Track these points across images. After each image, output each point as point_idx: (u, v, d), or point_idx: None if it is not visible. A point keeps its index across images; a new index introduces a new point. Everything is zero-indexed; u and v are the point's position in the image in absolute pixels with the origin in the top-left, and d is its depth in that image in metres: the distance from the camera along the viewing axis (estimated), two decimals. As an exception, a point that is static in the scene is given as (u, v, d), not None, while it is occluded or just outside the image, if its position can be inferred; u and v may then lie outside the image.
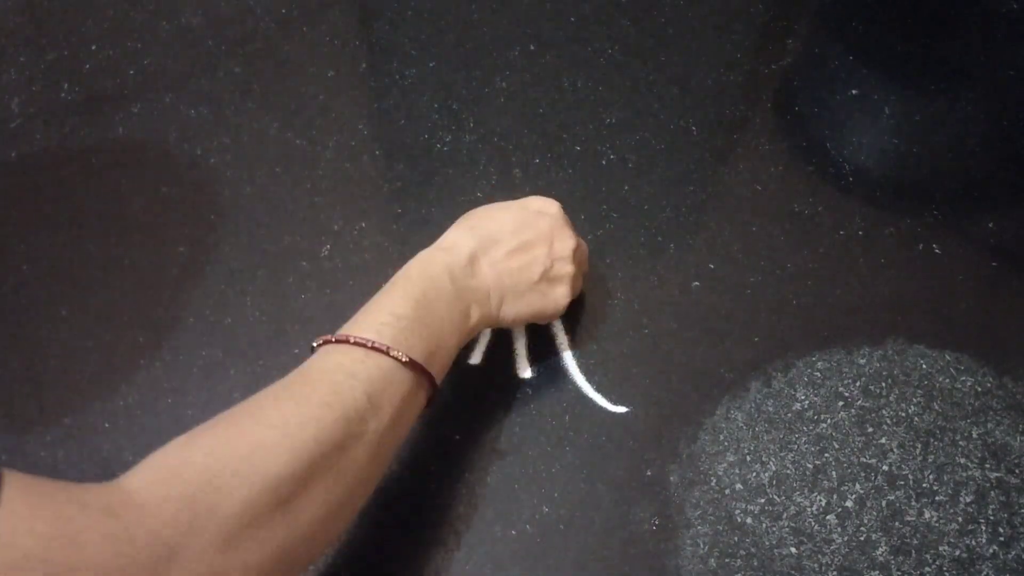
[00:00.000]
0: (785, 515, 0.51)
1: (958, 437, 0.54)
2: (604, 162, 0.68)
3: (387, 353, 0.42)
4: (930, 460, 0.53)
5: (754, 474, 0.53)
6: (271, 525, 0.35)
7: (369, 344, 0.42)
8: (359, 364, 0.41)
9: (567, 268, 0.52)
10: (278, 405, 0.39)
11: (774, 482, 0.52)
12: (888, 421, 0.55)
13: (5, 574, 0.28)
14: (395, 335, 0.43)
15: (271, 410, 0.39)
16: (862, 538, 0.50)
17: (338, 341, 0.43)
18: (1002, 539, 0.50)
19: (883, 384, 0.56)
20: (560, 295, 0.53)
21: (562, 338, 0.58)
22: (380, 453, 0.41)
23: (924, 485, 0.52)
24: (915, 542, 0.50)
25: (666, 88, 0.73)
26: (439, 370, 0.46)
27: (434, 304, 0.46)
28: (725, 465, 0.53)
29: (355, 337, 0.42)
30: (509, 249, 0.50)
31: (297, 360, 0.42)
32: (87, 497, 0.32)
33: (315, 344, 0.44)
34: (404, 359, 0.42)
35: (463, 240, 0.50)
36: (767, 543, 0.50)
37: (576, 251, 0.53)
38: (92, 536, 0.30)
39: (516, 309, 0.51)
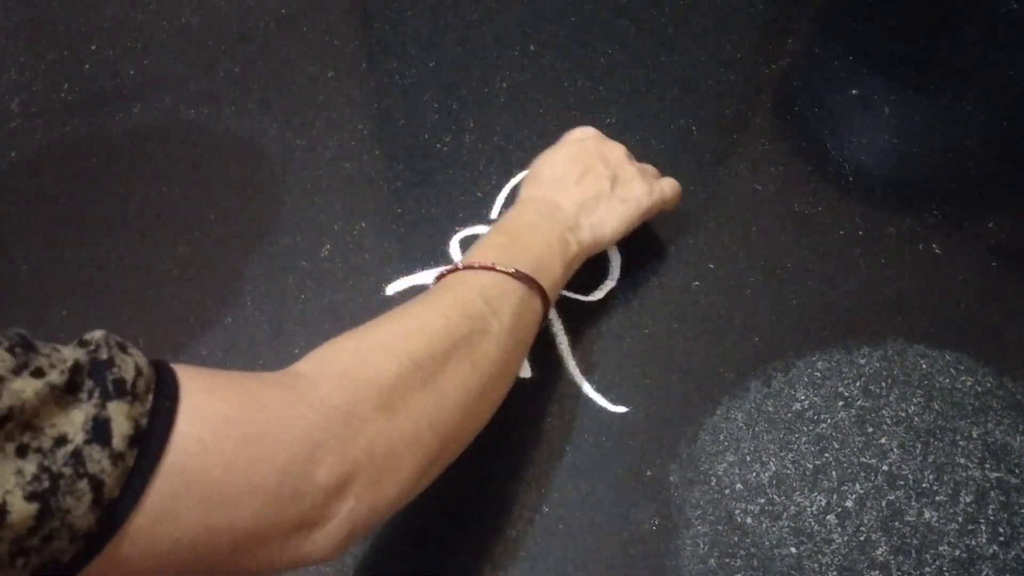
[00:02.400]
0: (785, 515, 0.51)
1: (958, 437, 0.54)
2: (604, 162, 0.68)
3: (494, 268, 0.47)
4: (930, 460, 0.53)
5: (754, 474, 0.53)
6: (420, 397, 0.39)
7: (477, 265, 0.47)
8: (472, 279, 0.47)
9: (629, 169, 0.57)
10: (411, 308, 0.45)
11: (774, 482, 0.52)
12: (888, 421, 0.55)
13: (209, 439, 0.31)
14: (498, 256, 0.48)
15: (405, 312, 0.45)
16: (862, 538, 0.50)
17: (449, 272, 0.48)
18: (1002, 539, 0.50)
19: (883, 384, 0.56)
20: (639, 193, 0.56)
21: (562, 338, 0.58)
22: (507, 352, 0.45)
23: (924, 485, 0.52)
24: (915, 542, 0.50)
25: (666, 88, 0.73)
26: (549, 286, 0.49)
27: (530, 235, 0.51)
28: (725, 465, 0.53)
29: (464, 263, 0.48)
30: (573, 179, 0.55)
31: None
32: (267, 378, 0.37)
33: (432, 283, 0.49)
34: (511, 271, 0.47)
35: (534, 191, 0.56)
36: (767, 543, 0.50)
37: (627, 154, 0.59)
38: (276, 401, 0.35)
39: (609, 224, 0.55)
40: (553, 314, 0.59)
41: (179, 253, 0.63)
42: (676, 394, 0.56)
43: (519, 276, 0.47)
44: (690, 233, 0.64)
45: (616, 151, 0.58)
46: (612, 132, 0.70)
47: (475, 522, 0.51)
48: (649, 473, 0.52)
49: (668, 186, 0.59)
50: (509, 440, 0.54)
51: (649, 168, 0.60)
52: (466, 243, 0.63)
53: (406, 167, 0.68)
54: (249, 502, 0.32)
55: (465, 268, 0.48)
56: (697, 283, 0.61)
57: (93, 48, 0.76)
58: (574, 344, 0.58)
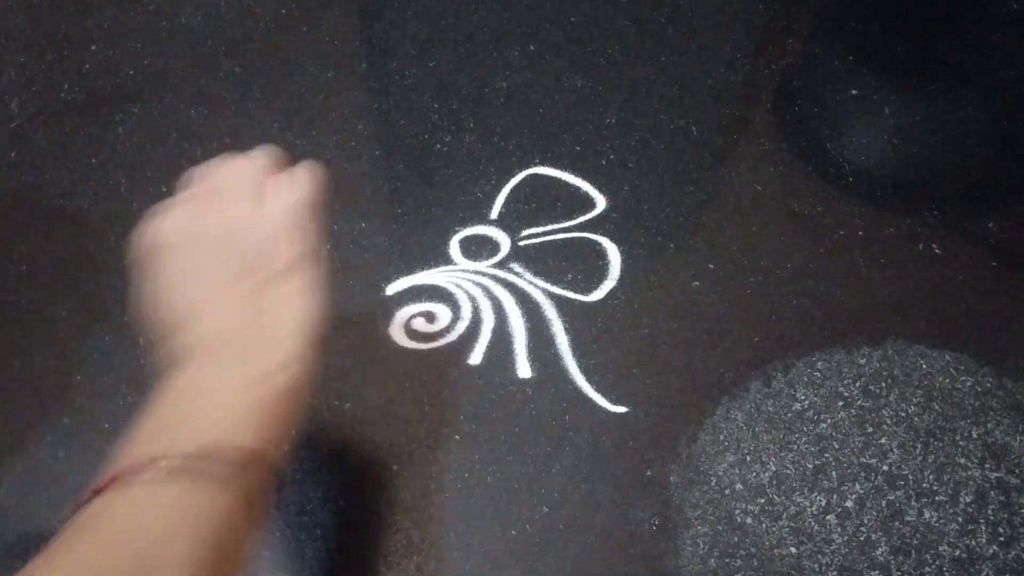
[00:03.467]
0: (785, 515, 0.51)
1: (958, 437, 0.54)
2: (604, 162, 0.68)
3: (136, 474, 0.31)
4: (930, 460, 0.53)
5: (754, 474, 0.53)
6: None
7: (109, 480, 0.31)
8: (106, 513, 0.31)
9: (257, 224, 0.38)
10: None
11: (774, 482, 0.52)
12: (888, 421, 0.55)
13: None
14: (142, 445, 0.32)
15: None
16: (862, 538, 0.50)
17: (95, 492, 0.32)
18: (1002, 539, 0.50)
19: (883, 384, 0.56)
20: (290, 250, 0.38)
21: (562, 338, 0.58)
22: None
23: (924, 485, 0.52)
24: (915, 542, 0.50)
25: (666, 88, 0.73)
26: (255, 454, 0.33)
27: (187, 391, 0.34)
28: (725, 465, 0.53)
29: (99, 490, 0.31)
30: (193, 302, 0.37)
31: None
32: None
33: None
34: (172, 463, 0.31)
35: (165, 316, 0.37)
36: (767, 543, 0.50)
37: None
38: None
39: (297, 313, 0.38)
40: (553, 314, 0.59)
41: (179, 253, 0.62)
42: (676, 394, 0.56)
43: (189, 466, 0.31)
44: (690, 233, 0.64)
45: (212, 216, 0.38)
46: (612, 132, 0.70)
47: (475, 522, 0.51)
48: (649, 473, 0.52)
49: (304, 181, 0.41)
50: (509, 440, 0.54)
51: (255, 173, 0.41)
52: (466, 243, 0.63)
53: (406, 167, 0.68)
54: None
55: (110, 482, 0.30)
56: (697, 283, 0.61)
57: (93, 48, 0.76)
58: (574, 344, 0.58)
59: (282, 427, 0.34)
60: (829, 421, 0.55)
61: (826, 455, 0.53)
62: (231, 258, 0.36)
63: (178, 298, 0.36)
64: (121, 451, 0.32)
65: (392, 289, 0.61)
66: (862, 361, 0.57)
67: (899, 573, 0.49)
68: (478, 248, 0.63)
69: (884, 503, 0.52)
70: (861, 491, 0.52)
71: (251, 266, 0.36)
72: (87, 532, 0.30)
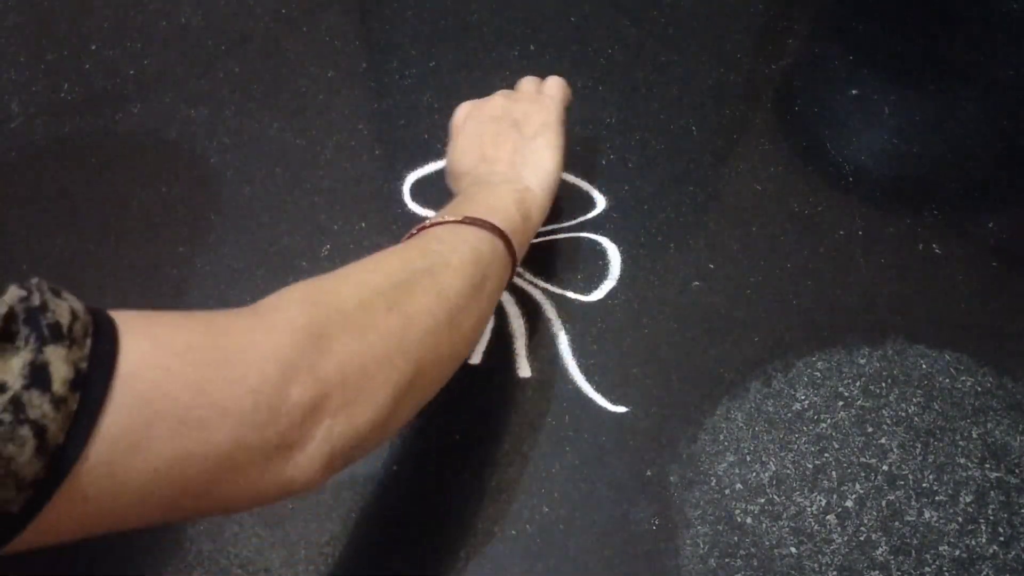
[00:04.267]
0: (785, 515, 0.51)
1: (958, 437, 0.54)
2: (604, 162, 0.68)
3: (442, 221, 0.48)
4: (930, 460, 0.53)
5: (754, 474, 0.53)
6: (387, 320, 0.39)
7: (428, 223, 0.48)
8: (422, 234, 0.47)
9: (517, 107, 0.58)
10: (364, 259, 0.44)
11: (774, 482, 0.52)
12: (888, 421, 0.55)
13: (175, 365, 0.31)
14: (444, 213, 0.49)
15: (359, 260, 0.44)
16: (862, 538, 0.50)
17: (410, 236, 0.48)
18: (1002, 539, 0.50)
19: (883, 384, 0.56)
20: (541, 117, 0.57)
21: (562, 338, 0.58)
22: (473, 284, 0.45)
23: (924, 485, 0.52)
24: (915, 542, 0.50)
25: (666, 88, 0.73)
26: (507, 226, 0.49)
27: (474, 192, 0.52)
28: (725, 465, 0.53)
29: (411, 232, 0.48)
30: (486, 153, 0.56)
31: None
32: (220, 310, 0.36)
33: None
34: (459, 218, 0.48)
35: (460, 181, 0.56)
36: (767, 543, 0.50)
37: (505, 94, 0.60)
38: (240, 326, 0.35)
39: (544, 156, 0.55)
40: (553, 314, 0.59)
41: (179, 253, 0.63)
42: (676, 394, 0.56)
43: (469, 221, 0.48)
44: (690, 233, 0.64)
45: (496, 102, 0.59)
46: (612, 132, 0.70)
47: (475, 522, 0.51)
48: (649, 473, 0.52)
49: (555, 88, 0.60)
50: (509, 440, 0.54)
51: (528, 87, 0.61)
52: (466, 243, 0.63)
53: (406, 167, 0.68)
54: (223, 425, 0.32)
55: (416, 231, 0.48)
56: (697, 283, 0.61)
57: (93, 48, 0.76)
58: (574, 344, 0.58)
59: (527, 221, 0.52)
60: (829, 421, 0.55)
61: (826, 455, 0.53)
62: (501, 128, 0.56)
63: (472, 151, 0.56)
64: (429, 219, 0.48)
65: (392, 289, 0.61)
66: (862, 361, 0.57)
67: (899, 573, 0.49)
68: (478, 248, 0.63)
69: (884, 503, 0.52)
70: (861, 491, 0.52)
71: (513, 132, 0.56)
72: (401, 247, 0.46)
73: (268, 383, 0.33)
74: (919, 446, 0.54)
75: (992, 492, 0.52)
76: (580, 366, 0.57)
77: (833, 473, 0.53)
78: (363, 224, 0.64)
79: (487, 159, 0.55)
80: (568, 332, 0.58)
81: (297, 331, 0.35)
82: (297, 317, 0.36)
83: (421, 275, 0.42)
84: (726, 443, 0.54)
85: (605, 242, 0.63)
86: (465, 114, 0.59)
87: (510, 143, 0.55)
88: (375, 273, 0.42)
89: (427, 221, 0.48)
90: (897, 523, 0.51)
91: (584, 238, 0.64)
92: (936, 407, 0.55)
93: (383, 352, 0.38)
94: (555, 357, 0.57)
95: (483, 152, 0.56)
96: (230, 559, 0.49)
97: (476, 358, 0.57)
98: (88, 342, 0.30)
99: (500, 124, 0.57)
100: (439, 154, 0.68)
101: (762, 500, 0.52)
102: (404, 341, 0.40)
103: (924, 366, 0.57)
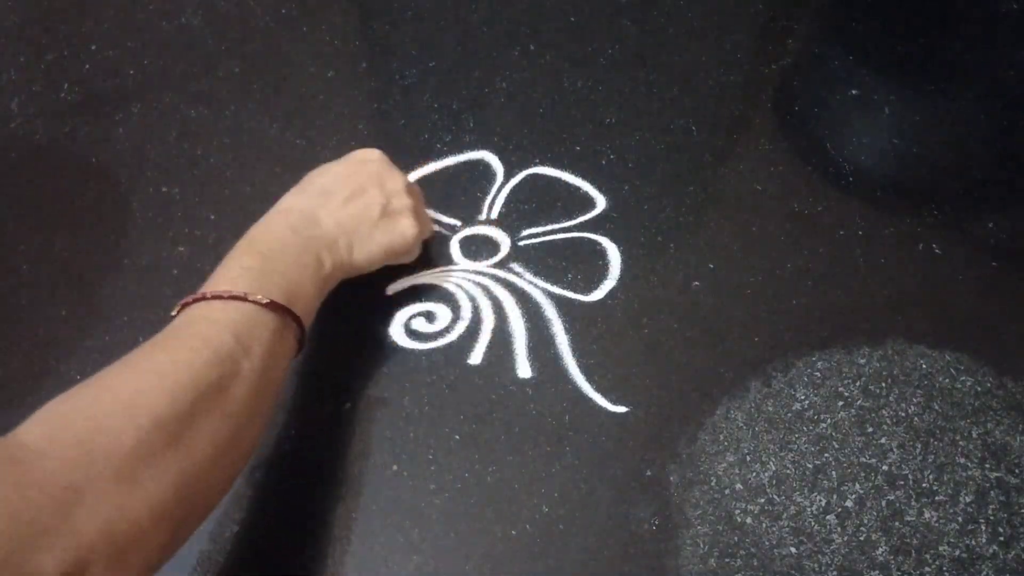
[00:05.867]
0: (785, 515, 0.51)
1: (958, 437, 0.54)
2: (604, 162, 0.68)
3: (245, 299, 0.43)
4: (930, 460, 0.53)
5: (754, 474, 0.53)
6: (165, 462, 0.36)
7: (226, 295, 0.43)
8: (220, 312, 0.43)
9: (404, 200, 0.55)
10: (151, 356, 0.40)
11: (774, 482, 0.52)
12: (888, 421, 0.55)
13: None
14: (249, 283, 0.45)
15: (144, 361, 0.40)
16: (862, 538, 0.50)
17: (195, 300, 0.44)
18: (1002, 539, 0.50)
19: (883, 384, 0.56)
20: (406, 227, 0.55)
21: (562, 338, 0.58)
22: (259, 393, 0.42)
23: (924, 485, 0.52)
24: (915, 542, 0.50)
25: (666, 88, 0.73)
26: (302, 312, 0.47)
27: (281, 255, 0.48)
28: (725, 465, 0.53)
29: (211, 292, 0.44)
30: (343, 197, 0.53)
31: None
32: None
33: (174, 312, 0.44)
34: (264, 301, 0.44)
35: (296, 200, 0.53)
36: (767, 543, 0.50)
37: (408, 187, 0.57)
38: None
39: (367, 249, 0.53)
40: (553, 314, 0.59)
41: (179, 253, 0.63)
42: (676, 394, 0.56)
43: (273, 307, 0.44)
44: (690, 233, 0.64)
45: (396, 180, 0.56)
46: (612, 132, 0.70)
47: (475, 522, 0.51)
48: (649, 473, 0.52)
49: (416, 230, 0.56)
50: (509, 440, 0.54)
51: (421, 207, 0.59)
52: (466, 243, 0.63)
53: (406, 167, 0.68)
54: None
55: (213, 298, 0.43)
56: (697, 283, 0.61)
57: (93, 48, 0.76)
58: (574, 344, 0.58)
59: (320, 297, 0.50)
60: (829, 421, 0.55)
61: (826, 455, 0.53)
62: (368, 202, 0.54)
63: (328, 185, 0.54)
64: (222, 272, 0.46)
65: (392, 289, 0.61)
66: (862, 361, 0.57)
67: (899, 573, 0.49)
68: (478, 248, 0.63)
69: (884, 503, 0.52)
70: (861, 491, 0.52)
71: (367, 215, 0.53)
72: (192, 329, 0.42)
73: (18, 553, 0.30)
74: (919, 446, 0.54)
75: (992, 492, 0.52)
76: (580, 366, 0.57)
77: (833, 473, 0.53)
78: (363, 224, 0.64)
79: (330, 205, 0.52)
80: (568, 332, 0.58)
81: (59, 491, 0.32)
82: (62, 470, 0.33)
83: (209, 393, 0.39)
84: (726, 443, 0.54)
85: (605, 242, 0.63)
86: (369, 158, 0.57)
87: (363, 212, 0.53)
88: (159, 395, 0.38)
89: (223, 287, 0.44)
90: (897, 523, 0.51)
91: (584, 238, 0.64)
92: (936, 407, 0.55)
93: (158, 500, 0.35)
94: (555, 357, 0.57)
95: (337, 195, 0.53)
96: (230, 559, 0.49)
97: (476, 358, 0.57)
98: None
99: (379, 193, 0.54)
100: (439, 154, 0.68)
101: (762, 500, 0.52)
102: (182, 481, 0.37)
103: (924, 366, 0.57)
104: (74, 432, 0.35)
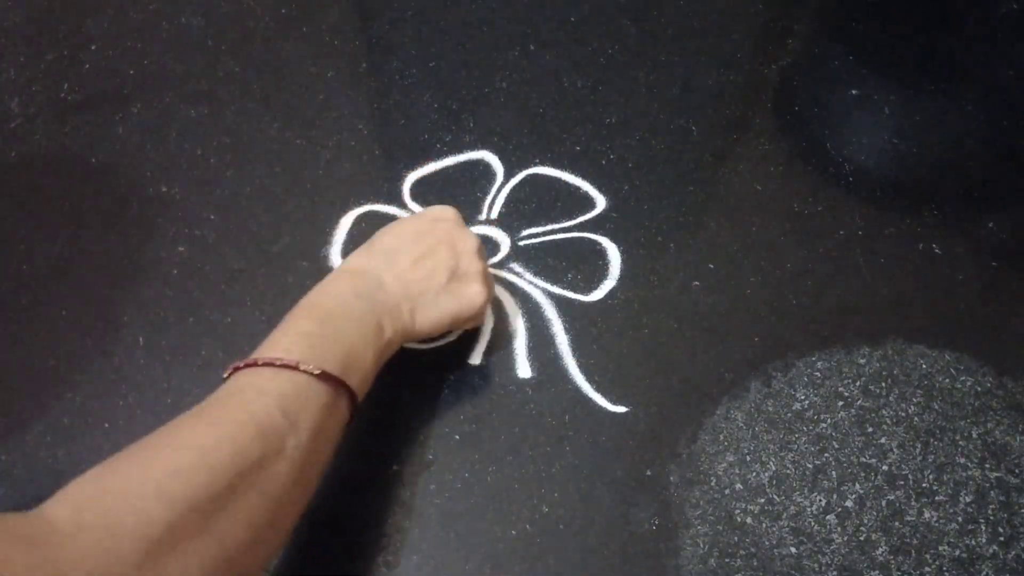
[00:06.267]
0: (785, 515, 0.51)
1: (958, 437, 0.54)
2: (604, 162, 0.68)
3: (297, 368, 0.41)
4: (930, 460, 0.53)
5: (754, 474, 0.53)
6: (195, 547, 0.34)
7: (278, 363, 0.41)
8: (270, 382, 0.41)
9: (475, 265, 0.52)
10: (192, 428, 0.38)
11: (774, 482, 0.52)
12: (888, 421, 0.55)
13: None
14: (304, 351, 0.42)
15: (185, 434, 0.38)
16: (862, 538, 0.50)
17: (247, 366, 0.42)
18: (1002, 539, 0.50)
19: (883, 384, 0.56)
20: (474, 293, 0.52)
21: (562, 338, 0.58)
22: (304, 470, 0.40)
23: (924, 485, 0.52)
24: (915, 542, 0.50)
25: (666, 88, 0.73)
26: (358, 384, 0.44)
27: (342, 321, 0.45)
28: (725, 465, 0.53)
29: (263, 358, 0.41)
30: (412, 258, 0.50)
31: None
32: (7, 526, 0.31)
33: (225, 375, 0.42)
34: (316, 371, 0.41)
35: (363, 260, 0.50)
36: (767, 543, 0.50)
37: (479, 249, 0.53)
38: (16, 567, 0.30)
39: (432, 316, 0.50)
40: (553, 314, 0.59)
41: (179, 253, 0.63)
42: (676, 394, 0.56)
43: (325, 378, 0.42)
44: (690, 233, 0.64)
45: (469, 242, 0.53)
46: (612, 132, 0.70)
47: (475, 522, 0.51)
48: (649, 473, 0.52)
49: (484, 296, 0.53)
50: (509, 440, 0.54)
51: (487, 268, 0.55)
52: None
53: (406, 167, 0.68)
54: None
55: (264, 365, 0.41)
56: (697, 283, 0.61)
57: (93, 48, 0.76)
58: (574, 344, 0.58)
59: (377, 368, 0.47)
60: (829, 421, 0.55)
61: (826, 455, 0.53)
62: (437, 264, 0.51)
63: (397, 244, 0.51)
64: (278, 335, 0.44)
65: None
66: (862, 361, 0.57)
67: (899, 573, 0.49)
68: (478, 248, 0.63)
69: (884, 503, 0.52)
70: (861, 491, 0.52)
71: (435, 279, 0.51)
72: (238, 399, 0.40)
73: None
74: (919, 446, 0.54)
75: (992, 492, 0.52)
76: (580, 366, 0.57)
77: (833, 473, 0.53)
78: (363, 224, 0.64)
79: (397, 266, 0.50)
80: (568, 332, 0.58)
81: (81, 575, 0.31)
82: (88, 554, 0.31)
83: (249, 472, 0.37)
84: (726, 443, 0.54)
85: (605, 242, 0.63)
86: (442, 217, 0.54)
87: (431, 275, 0.50)
88: (197, 473, 0.35)
89: (276, 354, 0.42)
90: (897, 523, 0.51)
91: (584, 238, 0.64)
92: (936, 407, 0.55)
93: None
94: (555, 357, 0.57)
95: (405, 256, 0.50)
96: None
97: (476, 358, 0.57)
98: None
99: (448, 256, 0.51)
100: (439, 154, 0.68)
101: (762, 500, 0.52)
102: (212, 567, 0.35)
103: (924, 366, 0.57)
104: (103, 512, 0.33)
